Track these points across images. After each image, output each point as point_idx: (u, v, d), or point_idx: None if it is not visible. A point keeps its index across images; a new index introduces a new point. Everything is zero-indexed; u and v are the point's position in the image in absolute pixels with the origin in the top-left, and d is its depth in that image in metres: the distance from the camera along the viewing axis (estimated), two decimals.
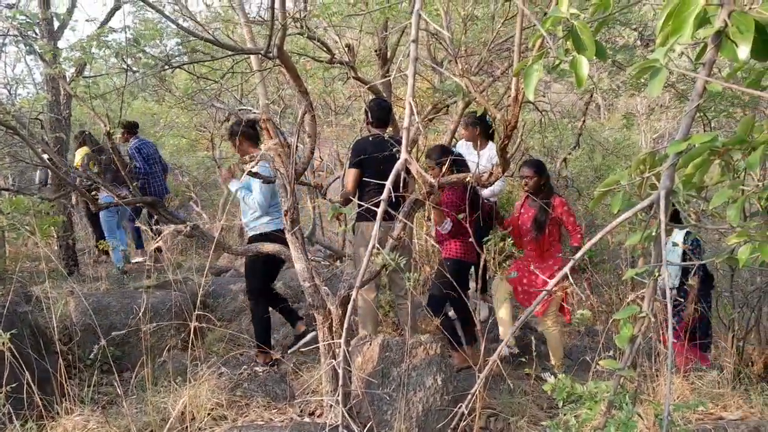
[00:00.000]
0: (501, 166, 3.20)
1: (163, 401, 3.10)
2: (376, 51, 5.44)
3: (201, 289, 3.48)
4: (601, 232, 1.99)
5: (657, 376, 3.04)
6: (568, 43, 1.67)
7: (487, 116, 4.39)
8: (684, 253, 3.90)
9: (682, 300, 3.86)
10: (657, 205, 1.73)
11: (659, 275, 1.89)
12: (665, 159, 1.78)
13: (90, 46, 3.40)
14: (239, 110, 4.01)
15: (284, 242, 3.29)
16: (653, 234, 1.86)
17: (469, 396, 2.08)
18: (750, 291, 4.24)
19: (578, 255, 2.02)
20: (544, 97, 6.25)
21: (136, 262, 6.44)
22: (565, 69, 1.81)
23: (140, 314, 3.89)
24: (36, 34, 5.08)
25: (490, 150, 4.65)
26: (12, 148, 5.93)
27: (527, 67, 1.75)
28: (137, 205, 4.62)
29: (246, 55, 3.97)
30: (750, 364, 4.02)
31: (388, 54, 5.37)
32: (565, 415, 1.76)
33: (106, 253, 6.49)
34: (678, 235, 3.97)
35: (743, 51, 1.35)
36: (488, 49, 4.52)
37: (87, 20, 8.62)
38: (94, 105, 3.63)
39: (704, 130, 4.47)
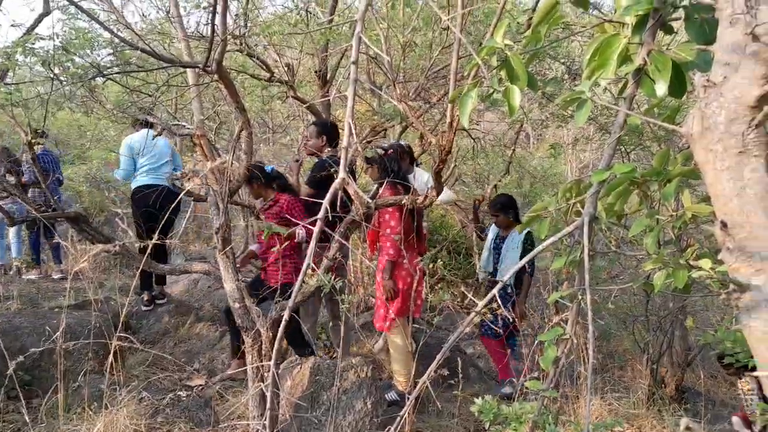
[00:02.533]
0: (435, 189, 3.26)
1: (76, 429, 2.90)
2: (316, 71, 5.45)
3: (124, 310, 3.32)
4: (528, 256, 2.05)
5: (577, 397, 3.14)
6: (501, 73, 1.73)
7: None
8: (523, 251, 4.20)
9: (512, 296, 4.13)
10: (581, 230, 1.80)
11: (582, 298, 1.96)
12: (589, 187, 1.87)
13: (15, 52, 3.22)
14: (173, 125, 3.91)
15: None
16: (577, 258, 1.94)
17: (398, 419, 2.07)
18: (663, 315, 4.47)
19: (506, 276, 2.07)
20: (477, 125, 6.44)
21: (30, 279, 6.04)
22: (498, 98, 1.88)
23: (55, 336, 3.66)
24: None
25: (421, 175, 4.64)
26: None
27: (462, 94, 1.80)
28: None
29: (182, 70, 3.88)
30: (663, 385, 4.23)
31: (328, 75, 5.40)
32: None
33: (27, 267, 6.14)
34: (519, 235, 4.26)
35: (661, 88, 1.45)
36: (425, 76, 4.63)
37: (12, 25, 8.15)
38: (14, 113, 3.43)
39: (623, 162, 4.73)
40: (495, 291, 1.97)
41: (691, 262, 1.56)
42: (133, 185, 5.09)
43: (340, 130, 5.50)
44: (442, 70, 4.74)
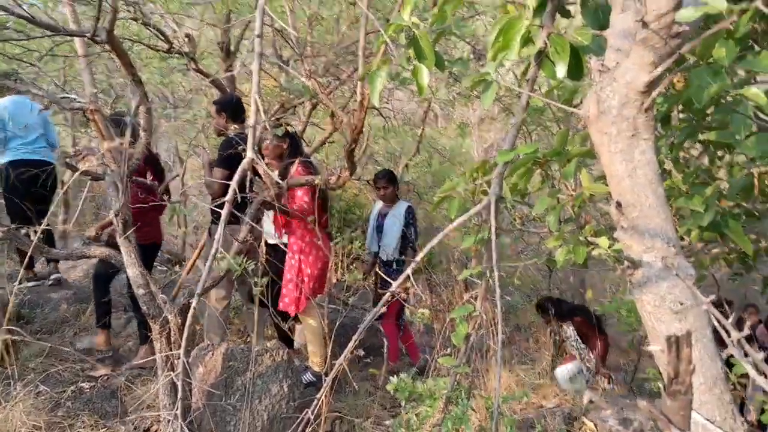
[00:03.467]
0: (348, 169, 3.24)
1: None
2: (218, 43, 5.22)
3: (13, 298, 3.06)
4: (439, 236, 2.09)
5: (488, 370, 3.29)
6: (410, 51, 1.73)
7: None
8: (405, 223, 4.36)
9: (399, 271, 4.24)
10: (488, 210, 1.86)
11: (491, 276, 2.04)
12: (495, 167, 1.93)
13: None
14: (62, 98, 3.61)
15: None
16: (485, 237, 2.01)
17: (315, 401, 2.08)
18: (564, 290, 4.77)
19: (419, 256, 2.11)
20: (387, 103, 6.46)
21: None
22: (406, 77, 1.88)
23: None
24: None
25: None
26: None
27: (371, 73, 1.78)
28: None
29: (69, 38, 3.58)
30: (564, 354, 4.53)
31: (232, 47, 5.19)
32: (407, 413, 1.83)
33: None
34: (401, 207, 4.42)
35: (560, 70, 1.50)
36: (334, 52, 4.56)
37: None
38: None
39: (525, 142, 4.94)
40: (408, 271, 2.01)
41: (590, 239, 1.65)
42: (5, 160, 4.59)
43: (246, 105, 5.33)
44: (351, 46, 4.69)
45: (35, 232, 2.78)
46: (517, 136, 1.97)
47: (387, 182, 4.41)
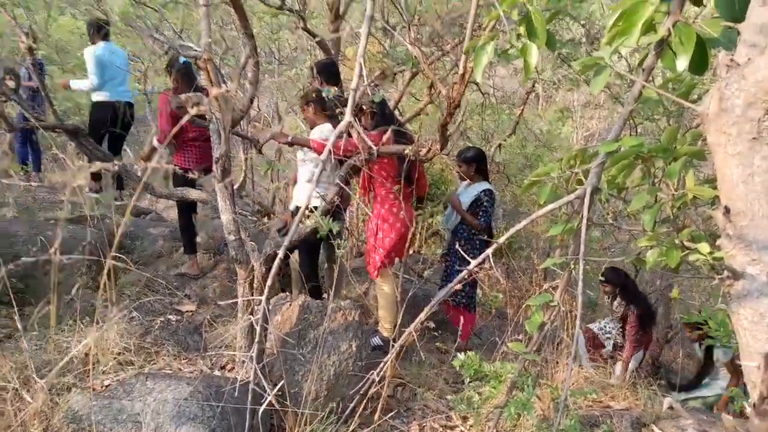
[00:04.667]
0: (439, 143, 3.23)
1: (67, 340, 2.97)
2: (328, 4, 5.29)
3: (119, 229, 3.33)
4: (526, 220, 2.05)
5: (557, 363, 3.22)
6: (521, 28, 1.68)
7: (325, 93, 4.17)
8: (477, 201, 4.18)
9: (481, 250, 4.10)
10: (582, 200, 1.80)
11: (575, 267, 1.98)
12: (594, 157, 1.86)
13: None
14: (179, 45, 3.81)
15: None
16: (574, 227, 1.95)
17: (382, 364, 2.13)
18: (650, 292, 4.55)
19: (501, 240, 2.08)
20: (488, 79, 6.32)
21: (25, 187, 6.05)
22: (514, 54, 1.83)
23: (51, 247, 3.68)
24: None
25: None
26: None
27: (479, 46, 1.75)
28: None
29: None
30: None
31: (341, 9, 5.24)
32: (470, 391, 1.84)
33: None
34: (476, 188, 4.24)
35: (682, 62, 1.41)
36: (441, 22, 4.49)
37: None
38: (15, 15, 3.33)
39: (631, 134, 4.68)
40: (489, 251, 1.99)
41: (686, 243, 1.57)
42: (97, 99, 5.10)
43: (347, 69, 5.37)
44: (458, 18, 4.60)
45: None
46: (623, 128, 1.88)
47: (464, 160, 4.27)
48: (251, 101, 3.29)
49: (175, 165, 4.34)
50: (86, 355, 2.82)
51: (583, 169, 1.94)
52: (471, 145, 5.74)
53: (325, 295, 3.99)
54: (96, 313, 3.08)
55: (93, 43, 5.24)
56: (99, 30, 5.23)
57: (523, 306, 4.12)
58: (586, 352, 4.62)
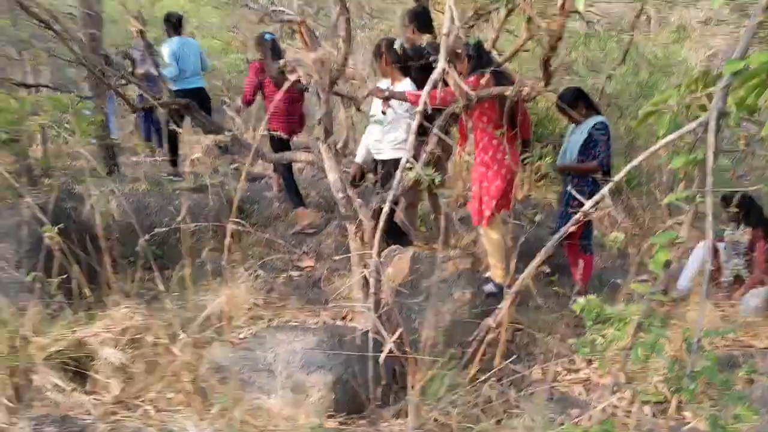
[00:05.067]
0: (542, 80, 3.08)
1: (203, 299, 3.25)
2: None
3: (237, 195, 3.55)
4: (644, 154, 1.93)
5: (686, 302, 3.06)
6: None
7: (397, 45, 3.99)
8: (589, 138, 3.87)
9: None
10: (707, 127, 1.66)
11: (701, 201, 1.85)
12: (719, 79, 1.69)
13: None
14: (273, 11, 3.89)
15: None
16: (699, 157, 1.80)
17: (497, 310, 2.13)
18: None
19: (618, 176, 1.97)
20: (592, 6, 5.87)
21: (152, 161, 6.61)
22: None
23: (179, 215, 4.00)
24: None
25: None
26: (47, 44, 5.90)
27: None
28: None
29: None
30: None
31: None
32: (592, 334, 1.80)
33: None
34: (588, 123, 3.93)
35: None
36: None
37: None
38: (124, 0, 3.56)
39: (759, 51, 4.18)
40: (605, 190, 1.90)
41: None
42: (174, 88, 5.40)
43: (438, 13, 5.22)
44: None
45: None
46: (749, 43, 1.69)
47: (567, 104, 3.96)
48: (346, 59, 3.31)
49: (269, 130, 4.88)
50: (221, 311, 3.08)
51: (706, 93, 1.78)
52: (579, 78, 5.41)
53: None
54: (225, 273, 3.34)
55: (169, 36, 5.75)
56: (174, 25, 5.76)
57: (646, 245, 3.91)
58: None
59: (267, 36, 4.82)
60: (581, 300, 1.83)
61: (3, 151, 3.92)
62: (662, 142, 1.71)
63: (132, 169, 5.91)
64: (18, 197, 3.66)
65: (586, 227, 4.04)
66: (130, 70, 6.26)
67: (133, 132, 7.26)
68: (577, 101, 3.98)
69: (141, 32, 3.57)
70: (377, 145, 4.00)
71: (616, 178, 1.72)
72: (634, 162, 1.99)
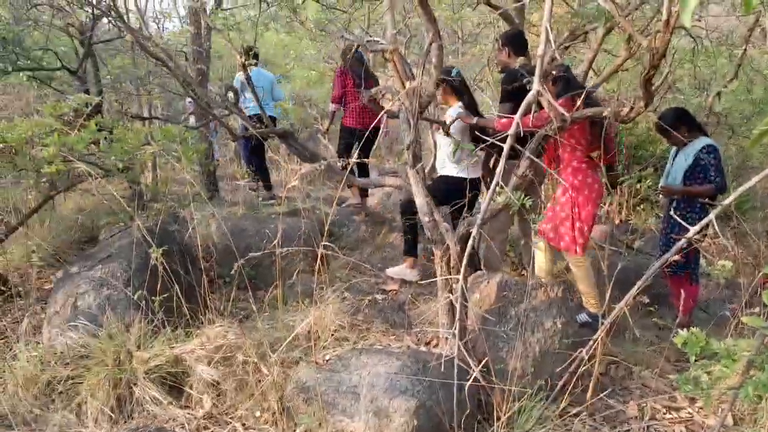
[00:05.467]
0: (644, 100, 2.92)
1: (292, 319, 3.34)
2: None
3: (328, 219, 3.64)
4: (758, 176, 1.76)
5: None
6: None
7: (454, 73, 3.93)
8: (695, 162, 3.63)
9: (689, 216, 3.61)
10: None
11: None
12: None
13: None
14: (367, 41, 4.00)
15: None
16: None
17: (591, 341, 2.02)
18: None
19: (727, 201, 1.82)
20: (699, 21, 5.53)
21: (249, 188, 6.94)
22: None
23: (274, 238, 4.17)
24: None
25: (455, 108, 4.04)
26: (161, 79, 6.43)
27: None
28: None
29: None
30: None
31: None
32: (696, 370, 1.65)
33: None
34: (695, 146, 3.68)
35: None
36: None
37: None
38: (230, 37, 3.80)
39: None
40: (712, 216, 1.76)
41: None
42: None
43: (532, 36, 5.14)
44: None
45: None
46: None
47: (671, 125, 3.72)
48: (437, 85, 3.32)
49: (343, 124, 5.69)
50: (308, 332, 3.15)
51: None
52: (683, 98, 5.10)
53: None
54: (314, 294, 3.42)
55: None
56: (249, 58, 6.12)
57: (759, 274, 3.57)
58: None
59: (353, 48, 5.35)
60: (683, 333, 1.69)
61: (118, 178, 4.26)
62: None
63: (231, 194, 6.24)
64: (129, 220, 3.97)
65: (692, 255, 3.77)
66: (233, 101, 6.67)
67: (234, 159, 7.68)
68: (679, 122, 3.75)
69: (243, 66, 3.78)
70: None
71: (726, 202, 1.58)
72: (747, 184, 1.82)
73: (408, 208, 4.24)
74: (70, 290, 3.27)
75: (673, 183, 3.76)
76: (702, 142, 3.67)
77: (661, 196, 4.19)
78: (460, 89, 3.99)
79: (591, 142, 3.48)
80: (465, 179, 3.84)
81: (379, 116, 4.19)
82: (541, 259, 3.78)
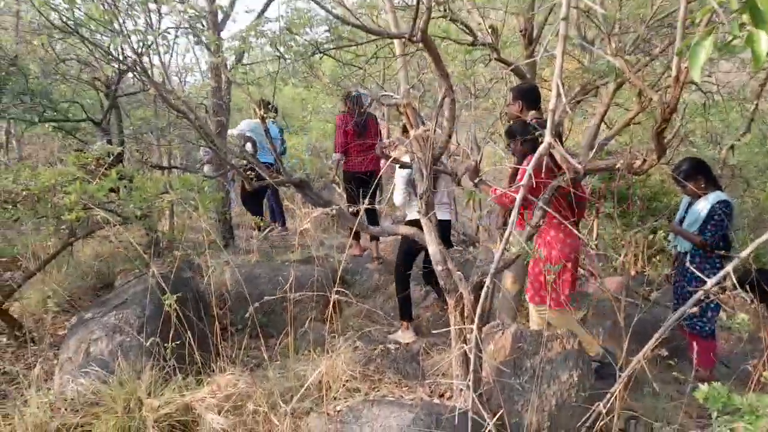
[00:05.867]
0: (656, 153, 2.95)
1: (303, 369, 3.30)
2: (520, 31, 5.25)
3: (340, 266, 3.65)
4: None
5: None
6: (743, 16, 1.49)
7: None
8: (709, 216, 3.64)
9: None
10: None
11: None
12: None
13: (248, 35, 3.66)
14: (382, 96, 4.11)
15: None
16: None
17: (608, 395, 1.98)
18: None
19: (744, 253, 1.82)
20: (709, 77, 5.62)
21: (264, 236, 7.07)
22: (737, 45, 1.62)
23: (287, 286, 4.17)
24: (203, 26, 5.57)
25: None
26: (181, 131, 6.61)
27: (694, 44, 1.58)
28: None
29: (389, 41, 4.04)
30: None
31: (534, 34, 5.17)
32: (719, 426, 1.60)
33: (258, 228, 7.17)
34: (708, 200, 3.70)
35: None
36: (646, 26, 4.17)
37: (246, 11, 9.35)
38: (250, 91, 3.93)
39: None
40: (729, 268, 1.76)
41: None
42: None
43: (545, 90, 5.25)
44: (665, 18, 4.23)
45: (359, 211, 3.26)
46: None
47: (686, 176, 3.77)
48: (449, 137, 3.39)
49: (344, 169, 5.85)
50: (320, 382, 3.10)
51: None
52: (696, 150, 5.14)
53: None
54: (326, 343, 3.39)
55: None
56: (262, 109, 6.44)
57: None
58: None
59: (354, 93, 5.64)
60: (704, 387, 1.65)
61: (136, 225, 4.33)
62: None
63: (246, 242, 6.29)
64: (145, 267, 4.01)
65: (711, 309, 3.71)
66: (251, 152, 6.83)
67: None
68: (696, 173, 3.77)
69: (262, 118, 3.89)
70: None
71: (743, 254, 1.57)
72: (764, 237, 1.82)
73: (400, 271, 4.30)
74: (83, 336, 3.27)
75: (687, 234, 3.77)
76: (718, 196, 3.67)
77: (673, 251, 4.19)
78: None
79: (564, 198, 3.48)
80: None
81: (387, 164, 4.20)
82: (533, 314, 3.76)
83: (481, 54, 5.42)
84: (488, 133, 7.36)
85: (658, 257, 5.38)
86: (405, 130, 4.25)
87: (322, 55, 3.87)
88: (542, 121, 3.65)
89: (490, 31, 4.67)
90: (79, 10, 4.07)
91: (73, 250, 5.26)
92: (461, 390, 2.92)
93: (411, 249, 4.40)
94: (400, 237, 4.71)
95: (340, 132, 5.79)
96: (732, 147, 5.71)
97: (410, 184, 4.43)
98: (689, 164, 3.85)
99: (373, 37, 3.48)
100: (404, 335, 4.30)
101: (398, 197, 4.55)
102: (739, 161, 6.15)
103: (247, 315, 3.91)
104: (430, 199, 3.22)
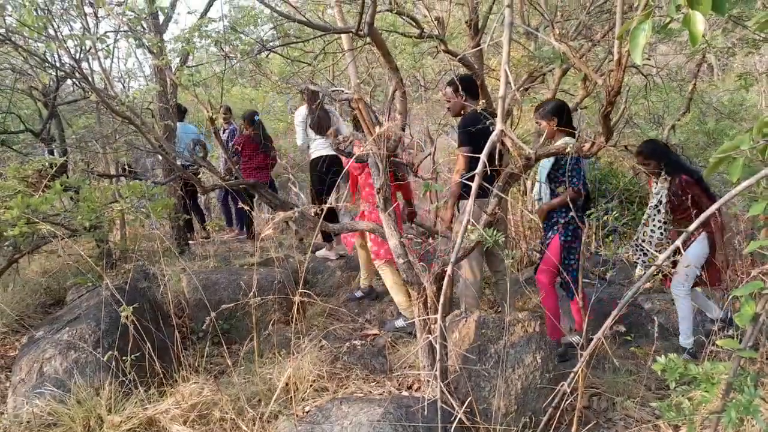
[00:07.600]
0: (603, 135, 3.03)
1: (269, 372, 3.26)
2: (466, 22, 5.30)
3: (302, 266, 3.61)
4: (718, 202, 1.83)
5: None
6: None
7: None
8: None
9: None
10: None
11: None
12: None
13: (192, 36, 3.57)
14: (332, 91, 4.08)
15: None
16: None
17: (572, 374, 2.02)
18: None
19: (692, 226, 1.88)
20: (649, 59, 5.82)
21: (222, 240, 7.04)
22: (674, 28, 1.67)
23: (247, 290, 4.10)
24: (144, 28, 5.40)
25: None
26: (127, 137, 6.40)
27: (633, 27, 1.62)
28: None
29: (337, 36, 4.00)
30: None
31: (480, 24, 5.23)
32: (678, 396, 1.66)
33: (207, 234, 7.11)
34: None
35: None
36: (587, 12, 4.27)
37: (188, 12, 9.14)
38: (197, 93, 3.83)
39: None
40: (678, 242, 1.81)
41: None
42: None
43: (493, 79, 5.31)
44: (605, 4, 4.34)
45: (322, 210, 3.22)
46: None
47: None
48: (402, 130, 3.39)
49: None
50: (286, 384, 3.07)
51: None
52: (641, 132, 5.31)
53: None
54: (291, 344, 3.35)
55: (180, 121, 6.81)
56: (179, 113, 6.83)
57: (729, 297, 3.65)
58: None
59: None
60: (662, 359, 1.70)
61: (85, 237, 4.18)
62: (737, 189, 1.62)
63: (203, 248, 6.16)
64: (98, 279, 3.87)
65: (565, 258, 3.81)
66: (201, 155, 6.69)
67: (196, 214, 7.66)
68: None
69: (211, 119, 3.80)
70: None
71: (690, 228, 1.63)
72: (708, 211, 1.89)
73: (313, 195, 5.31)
74: (35, 356, 3.14)
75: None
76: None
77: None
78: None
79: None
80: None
81: (350, 161, 4.22)
82: None
83: (429, 46, 5.44)
84: (440, 125, 7.41)
85: (611, 237, 5.55)
86: (357, 125, 4.27)
87: (268, 53, 3.81)
88: (491, 110, 3.70)
89: (436, 23, 4.69)
90: (10, 16, 3.88)
91: (19, 267, 5.03)
92: (429, 381, 2.94)
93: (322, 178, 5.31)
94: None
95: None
96: (673, 127, 5.93)
97: (306, 123, 5.29)
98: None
99: (320, 33, 3.45)
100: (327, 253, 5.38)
101: (299, 138, 5.40)
102: (681, 140, 6.39)
103: (207, 323, 3.84)
104: (388, 194, 3.22)
